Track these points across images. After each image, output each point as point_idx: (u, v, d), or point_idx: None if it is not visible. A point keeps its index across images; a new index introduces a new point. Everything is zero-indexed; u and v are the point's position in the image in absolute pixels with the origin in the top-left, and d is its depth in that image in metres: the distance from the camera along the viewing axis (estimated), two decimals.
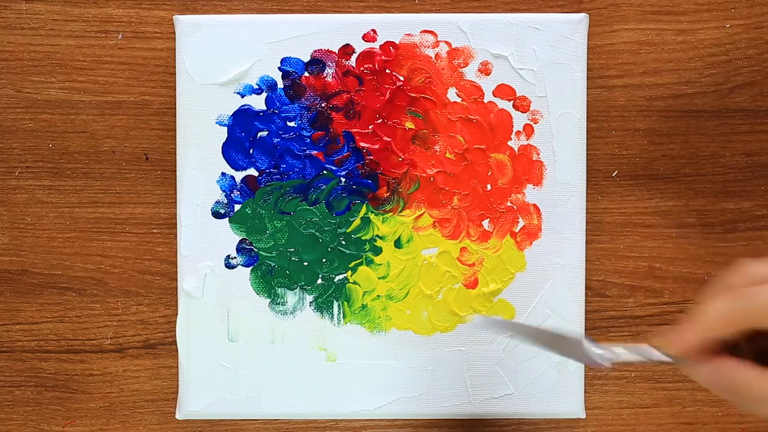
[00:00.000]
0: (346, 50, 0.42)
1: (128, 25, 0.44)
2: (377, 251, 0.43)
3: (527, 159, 0.42)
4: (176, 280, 0.43)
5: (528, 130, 0.42)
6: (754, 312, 0.25)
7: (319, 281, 0.43)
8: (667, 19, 0.44)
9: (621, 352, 0.32)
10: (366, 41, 0.42)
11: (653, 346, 0.29)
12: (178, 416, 0.43)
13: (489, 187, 0.43)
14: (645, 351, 0.30)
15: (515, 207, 0.42)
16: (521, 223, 0.42)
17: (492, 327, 0.42)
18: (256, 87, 0.42)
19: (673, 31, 0.44)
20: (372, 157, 0.42)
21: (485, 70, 0.42)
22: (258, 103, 0.42)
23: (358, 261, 0.43)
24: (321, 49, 0.42)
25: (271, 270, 0.43)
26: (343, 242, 0.43)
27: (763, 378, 0.26)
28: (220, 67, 0.42)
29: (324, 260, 0.43)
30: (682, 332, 0.27)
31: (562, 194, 0.42)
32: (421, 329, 0.43)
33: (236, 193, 0.43)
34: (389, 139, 0.42)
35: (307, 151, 0.43)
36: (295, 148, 0.43)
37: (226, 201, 0.43)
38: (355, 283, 0.43)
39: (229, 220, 0.43)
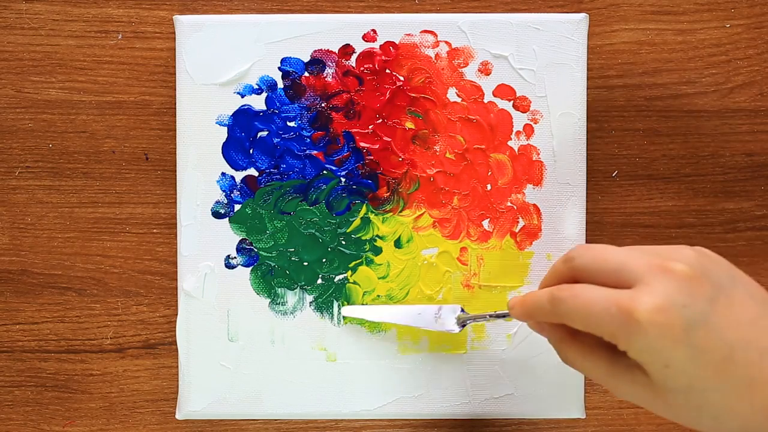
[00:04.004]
0: (346, 50, 0.42)
1: (128, 25, 0.44)
2: (377, 251, 0.43)
3: (527, 159, 0.42)
4: (176, 280, 0.43)
5: (528, 130, 0.42)
6: (559, 315, 0.29)
7: (319, 281, 0.43)
8: (667, 19, 0.44)
9: (471, 315, 0.39)
10: (366, 41, 0.42)
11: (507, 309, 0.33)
12: (178, 416, 0.43)
13: (489, 187, 0.43)
14: (496, 313, 0.36)
15: (515, 207, 0.42)
16: (521, 223, 0.42)
17: (359, 315, 0.42)
18: (256, 87, 0.42)
19: (673, 31, 0.44)
20: (372, 157, 0.42)
21: (485, 70, 0.42)
22: (258, 103, 0.42)
23: (358, 261, 0.43)
24: (321, 49, 0.42)
25: (271, 270, 0.43)
26: (343, 242, 0.43)
27: (584, 361, 0.29)
28: (220, 67, 0.42)
29: (324, 260, 0.43)
30: (522, 306, 0.32)
31: (562, 194, 0.42)
32: (421, 329, 0.43)
33: (236, 193, 0.43)
34: (389, 139, 0.42)
35: (307, 151, 0.43)
36: (295, 148, 0.43)
37: (226, 201, 0.43)
38: (355, 283, 0.43)
39: (229, 220, 0.43)
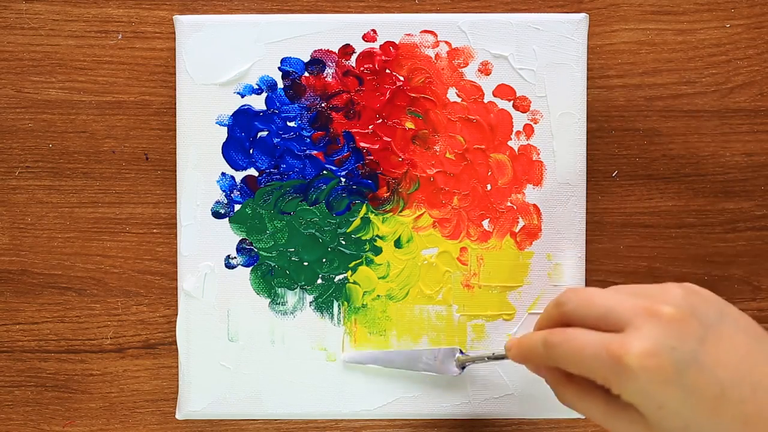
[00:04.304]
0: (346, 50, 0.42)
1: (128, 25, 0.44)
2: (377, 251, 0.43)
3: (527, 159, 0.42)
4: (176, 280, 0.43)
5: (528, 130, 0.42)
6: (553, 360, 0.29)
7: (319, 281, 0.43)
8: (667, 19, 0.44)
9: (470, 356, 0.40)
10: (366, 41, 0.42)
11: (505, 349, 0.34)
12: (178, 416, 0.43)
13: (489, 187, 0.43)
14: (494, 355, 0.37)
15: (515, 207, 0.42)
16: (521, 223, 0.42)
17: (359, 361, 0.42)
18: (256, 87, 0.42)
19: (673, 31, 0.44)
20: (372, 157, 0.42)
21: (485, 70, 0.42)
22: (258, 103, 0.42)
23: (358, 261, 0.43)
24: (321, 49, 0.42)
25: (271, 270, 0.43)
26: (343, 242, 0.43)
27: (580, 402, 0.30)
28: (220, 67, 0.42)
29: (324, 260, 0.43)
30: (518, 349, 0.32)
31: (562, 194, 0.42)
32: (421, 329, 0.43)
33: (236, 193, 0.43)
34: (389, 139, 0.42)
35: (307, 151, 0.43)
36: (295, 148, 0.43)
37: (226, 201, 0.43)
38: (355, 283, 0.43)
39: (229, 220, 0.43)
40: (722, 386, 0.26)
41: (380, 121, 0.42)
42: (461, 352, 0.40)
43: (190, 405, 0.43)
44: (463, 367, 0.40)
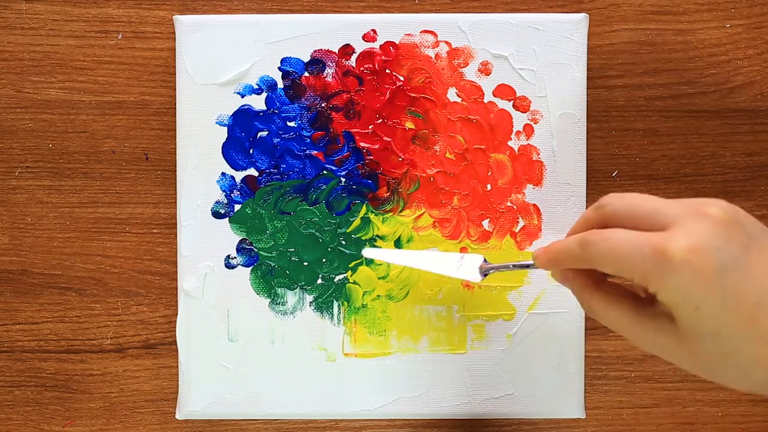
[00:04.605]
0: (346, 50, 0.42)
1: (128, 25, 0.44)
2: None
3: (527, 159, 0.42)
4: (176, 280, 0.43)
5: (528, 130, 0.42)
6: (589, 259, 0.28)
7: (319, 281, 0.43)
8: (667, 19, 0.44)
9: (492, 266, 0.38)
10: (366, 41, 0.42)
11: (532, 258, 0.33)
12: (178, 416, 0.43)
13: (489, 187, 0.43)
14: (519, 263, 0.36)
15: (515, 207, 0.42)
16: (521, 223, 0.42)
17: (378, 257, 0.42)
18: (256, 87, 0.42)
19: (673, 31, 0.44)
20: (372, 157, 0.42)
21: (485, 70, 0.42)
22: (258, 103, 0.42)
23: (358, 261, 0.43)
24: (321, 49, 0.42)
25: (271, 270, 0.43)
26: (343, 242, 0.43)
27: (608, 310, 0.29)
28: (220, 67, 0.42)
29: (324, 260, 0.43)
30: (547, 253, 0.31)
31: (562, 194, 0.42)
32: (421, 329, 0.43)
33: (236, 193, 0.43)
34: (389, 139, 0.42)
35: (307, 151, 0.43)
36: (295, 148, 0.43)
37: (226, 201, 0.43)
38: (355, 283, 0.43)
39: (229, 220, 0.43)
40: (762, 296, 0.26)
41: (380, 121, 0.42)
42: (485, 260, 0.39)
43: (190, 405, 0.43)
44: (485, 275, 0.38)
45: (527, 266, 0.35)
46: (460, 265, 0.39)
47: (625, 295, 0.29)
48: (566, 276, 0.32)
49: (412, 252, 0.42)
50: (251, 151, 0.43)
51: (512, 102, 0.42)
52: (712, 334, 0.26)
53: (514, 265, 0.36)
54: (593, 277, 0.30)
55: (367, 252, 0.41)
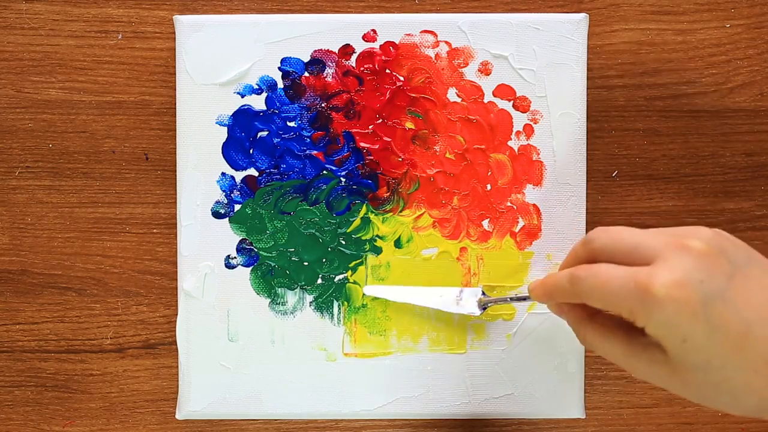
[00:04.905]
0: (346, 50, 0.42)
1: (128, 25, 0.44)
2: (377, 251, 0.43)
3: (527, 159, 0.42)
4: (176, 280, 0.43)
5: (528, 130, 0.42)
6: (579, 295, 0.29)
7: (319, 281, 0.43)
8: (667, 19, 0.44)
9: (492, 298, 0.40)
10: (366, 41, 0.42)
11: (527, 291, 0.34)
12: (178, 416, 0.43)
13: (489, 187, 0.43)
14: (516, 296, 0.38)
15: (515, 207, 0.42)
16: (521, 223, 0.42)
17: (379, 294, 0.42)
18: (256, 87, 0.42)
19: (673, 31, 0.44)
20: (372, 157, 0.42)
21: (485, 70, 0.42)
22: (258, 103, 0.42)
23: (358, 261, 0.43)
24: (321, 49, 0.42)
25: (271, 270, 0.43)
26: (343, 242, 0.43)
27: (602, 342, 0.30)
28: (220, 67, 0.42)
29: (324, 260, 0.43)
30: (542, 288, 0.32)
31: (562, 194, 0.42)
32: (421, 329, 0.43)
33: (236, 193, 0.43)
34: (389, 139, 0.42)
35: (307, 151, 0.43)
36: (295, 148, 0.43)
37: (226, 201, 0.43)
38: (355, 283, 0.43)
39: (229, 220, 0.43)
40: (748, 325, 0.26)
41: (380, 121, 0.42)
42: (483, 293, 0.40)
43: (190, 405, 0.43)
44: (484, 308, 0.40)
45: (524, 299, 0.36)
46: (459, 299, 0.41)
47: (619, 326, 0.29)
48: (561, 309, 0.32)
49: (412, 289, 0.42)
50: (251, 151, 0.43)
51: (512, 102, 0.42)
52: (702, 364, 0.26)
53: (511, 299, 0.38)
54: (587, 310, 0.31)
55: (368, 290, 0.42)
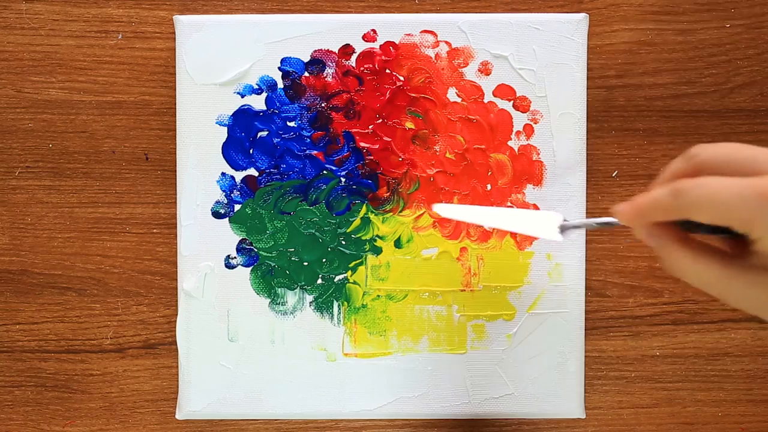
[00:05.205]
0: (346, 50, 0.42)
1: (128, 25, 0.44)
2: (377, 251, 0.43)
3: (527, 159, 0.42)
4: (176, 280, 0.43)
5: (528, 130, 0.42)
6: (682, 208, 0.27)
7: (319, 281, 0.43)
8: (667, 19, 0.44)
9: (573, 224, 0.35)
10: (366, 41, 0.42)
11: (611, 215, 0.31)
12: (178, 416, 0.43)
13: (489, 187, 0.43)
14: (602, 220, 0.33)
15: (515, 207, 0.42)
16: None
17: (450, 214, 0.40)
18: (256, 87, 0.42)
19: (673, 31, 0.44)
20: (372, 157, 0.42)
21: (485, 70, 0.42)
22: (258, 103, 0.42)
23: (358, 261, 0.43)
24: (321, 49, 0.42)
25: (271, 270, 0.43)
26: (343, 242, 0.43)
27: (695, 265, 0.28)
28: (220, 67, 0.42)
29: (324, 260, 0.43)
30: (632, 207, 0.30)
31: (562, 194, 0.42)
32: (421, 329, 0.43)
33: (236, 193, 0.43)
34: (389, 139, 0.42)
35: (307, 151, 0.43)
36: (295, 148, 0.43)
37: (226, 201, 0.43)
38: (355, 283, 0.43)
39: (229, 220, 0.43)
40: None
41: (380, 121, 0.42)
42: (565, 219, 0.36)
43: (190, 405, 0.43)
44: (564, 232, 0.36)
45: (610, 224, 0.33)
46: (538, 221, 0.36)
47: (712, 250, 0.28)
48: (651, 231, 0.30)
49: (487, 208, 0.40)
50: (251, 151, 0.43)
51: (512, 102, 0.42)
52: None
53: (597, 223, 0.33)
54: (678, 232, 0.29)
55: (438, 207, 0.39)
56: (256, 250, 0.43)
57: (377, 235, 0.43)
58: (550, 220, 0.35)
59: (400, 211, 0.43)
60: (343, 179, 0.43)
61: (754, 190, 0.25)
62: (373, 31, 0.42)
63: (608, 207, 0.44)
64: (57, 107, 0.44)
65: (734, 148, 0.28)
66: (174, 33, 0.42)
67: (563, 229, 0.35)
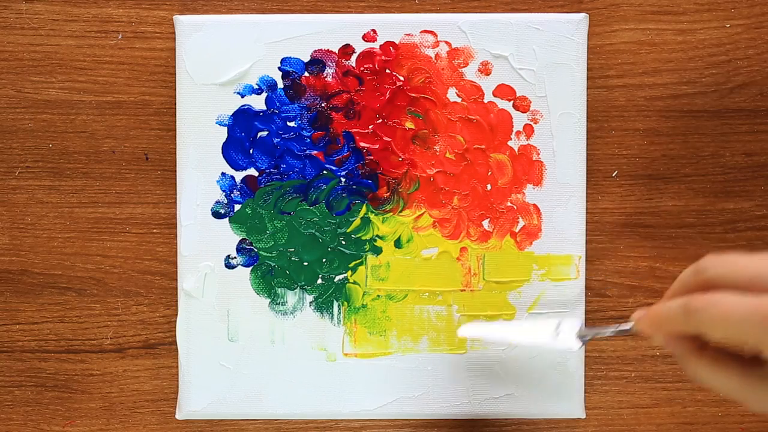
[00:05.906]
0: (346, 50, 0.42)
1: (128, 25, 0.44)
2: (377, 251, 0.43)
3: (527, 159, 0.42)
4: (176, 280, 0.43)
5: (528, 130, 0.42)
6: (696, 326, 0.27)
7: (319, 281, 0.43)
8: (667, 19, 0.44)
9: (591, 332, 0.37)
10: (366, 41, 0.42)
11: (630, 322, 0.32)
12: (178, 416, 0.43)
13: (489, 187, 0.43)
14: (618, 328, 0.34)
15: (515, 207, 0.42)
16: (521, 223, 0.42)
17: (476, 335, 0.42)
18: (256, 87, 0.42)
19: (673, 31, 0.44)
20: (372, 157, 0.43)
21: (485, 70, 0.42)
22: (258, 103, 0.42)
23: (358, 261, 0.43)
24: (321, 49, 0.42)
25: (271, 270, 0.43)
26: (343, 242, 0.43)
27: (714, 374, 0.28)
28: (220, 67, 0.42)
29: (324, 260, 0.43)
30: (649, 318, 0.31)
31: (562, 194, 0.42)
32: (421, 329, 0.43)
33: (236, 193, 0.43)
34: (389, 139, 0.42)
35: (307, 151, 0.43)
36: (295, 148, 0.43)
37: (226, 201, 0.43)
38: (355, 283, 0.43)
39: (229, 220, 0.43)
40: None
41: (380, 121, 0.42)
42: (584, 325, 0.37)
43: (190, 405, 0.43)
44: (584, 342, 0.37)
45: (627, 331, 0.33)
46: (557, 333, 0.38)
47: (731, 358, 0.28)
48: (669, 341, 0.31)
49: (509, 324, 0.42)
50: (251, 151, 0.43)
51: (512, 102, 0.42)
52: None
53: (613, 332, 0.35)
54: (696, 342, 0.29)
55: (463, 331, 0.41)
56: (256, 250, 0.43)
57: (377, 235, 0.43)
58: (568, 330, 0.38)
59: (400, 211, 0.43)
60: (343, 179, 0.43)
61: (763, 309, 0.25)
62: (373, 31, 0.42)
63: (608, 207, 0.44)
64: (57, 107, 0.44)
65: (742, 262, 0.27)
66: (174, 33, 0.43)
67: (581, 337, 0.37)
